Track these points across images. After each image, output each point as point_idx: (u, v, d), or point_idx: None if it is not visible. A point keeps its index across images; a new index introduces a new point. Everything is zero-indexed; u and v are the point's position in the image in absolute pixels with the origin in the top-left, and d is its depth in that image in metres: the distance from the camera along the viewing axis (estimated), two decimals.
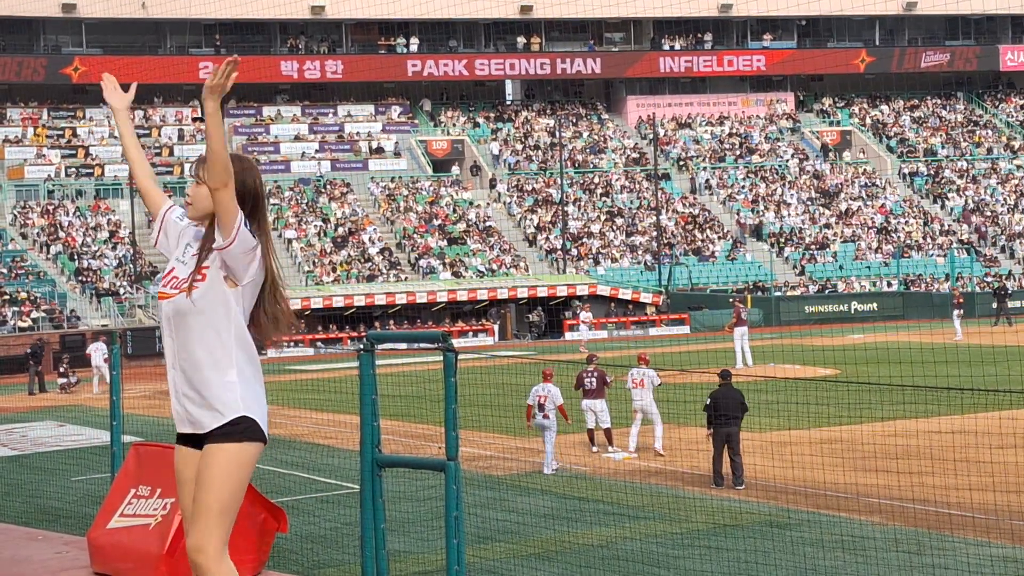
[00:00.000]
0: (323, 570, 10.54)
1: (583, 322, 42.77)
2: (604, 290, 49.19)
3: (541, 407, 16.63)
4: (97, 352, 31.18)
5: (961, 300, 40.25)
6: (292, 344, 44.20)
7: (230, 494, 4.64)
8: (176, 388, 4.74)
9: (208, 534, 4.61)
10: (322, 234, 52.89)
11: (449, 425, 7.06)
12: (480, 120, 62.90)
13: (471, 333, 45.45)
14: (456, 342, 6.72)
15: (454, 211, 55.56)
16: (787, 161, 62.82)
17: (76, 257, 48.85)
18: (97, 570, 8.15)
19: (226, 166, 4.57)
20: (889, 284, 54.38)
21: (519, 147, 61.40)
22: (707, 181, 60.56)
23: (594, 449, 18.32)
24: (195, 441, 4.76)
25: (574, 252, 53.61)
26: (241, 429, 4.66)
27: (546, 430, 16.59)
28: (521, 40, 63.18)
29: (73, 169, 54.87)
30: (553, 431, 16.54)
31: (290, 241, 52.15)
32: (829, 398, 19.05)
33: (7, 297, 44.37)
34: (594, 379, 18.12)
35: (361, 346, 7.29)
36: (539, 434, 16.95)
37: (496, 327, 46.77)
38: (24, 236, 50.42)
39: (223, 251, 4.65)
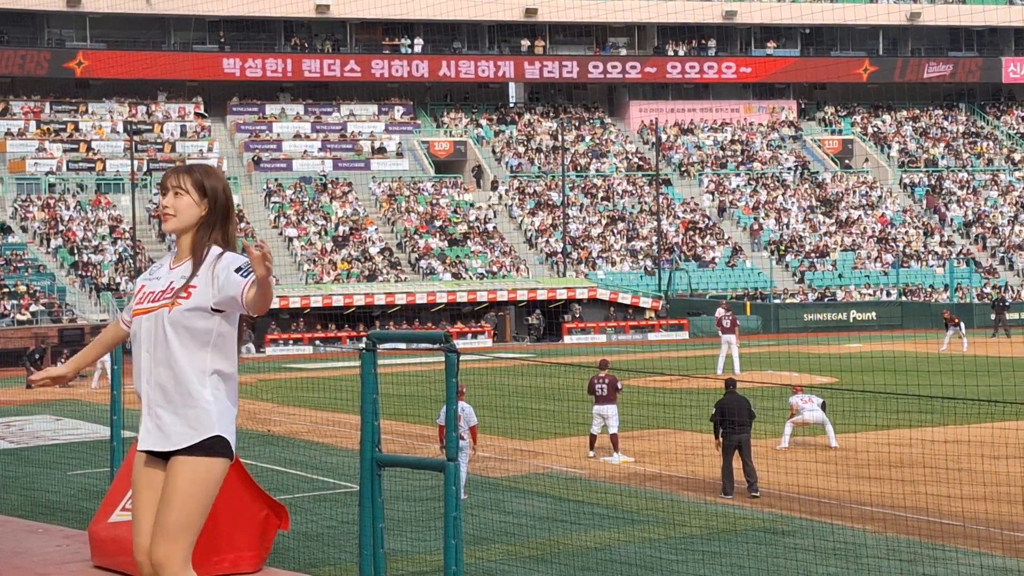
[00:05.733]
0: (321, 568, 10.58)
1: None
2: (603, 294, 49.23)
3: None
4: None
5: (956, 320, 38.11)
6: (291, 342, 44.26)
7: (196, 510, 4.63)
8: (149, 404, 4.70)
9: (172, 549, 4.61)
10: (323, 233, 52.93)
11: (450, 426, 7.10)
12: (483, 122, 62.97)
13: (469, 335, 45.45)
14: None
15: (455, 212, 55.62)
16: (788, 168, 62.90)
17: (76, 251, 48.89)
18: (98, 563, 8.18)
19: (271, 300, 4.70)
20: (888, 293, 54.46)
21: (521, 149, 61.46)
22: (709, 186, 60.66)
23: (591, 454, 18.35)
24: (158, 454, 4.73)
25: (574, 256, 53.66)
26: (211, 444, 4.65)
27: (461, 452, 14.56)
28: (525, 43, 63.26)
29: (74, 163, 54.91)
30: (467, 453, 14.61)
31: (291, 239, 52.19)
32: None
33: (6, 290, 44.39)
34: (605, 385, 18.11)
35: (363, 345, 7.32)
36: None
37: (493, 329, 46.78)
38: (24, 229, 50.45)
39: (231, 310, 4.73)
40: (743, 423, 15.43)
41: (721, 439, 15.56)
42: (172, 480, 4.63)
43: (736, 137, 64.69)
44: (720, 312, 31.95)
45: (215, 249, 4.77)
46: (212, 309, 4.69)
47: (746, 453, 15.42)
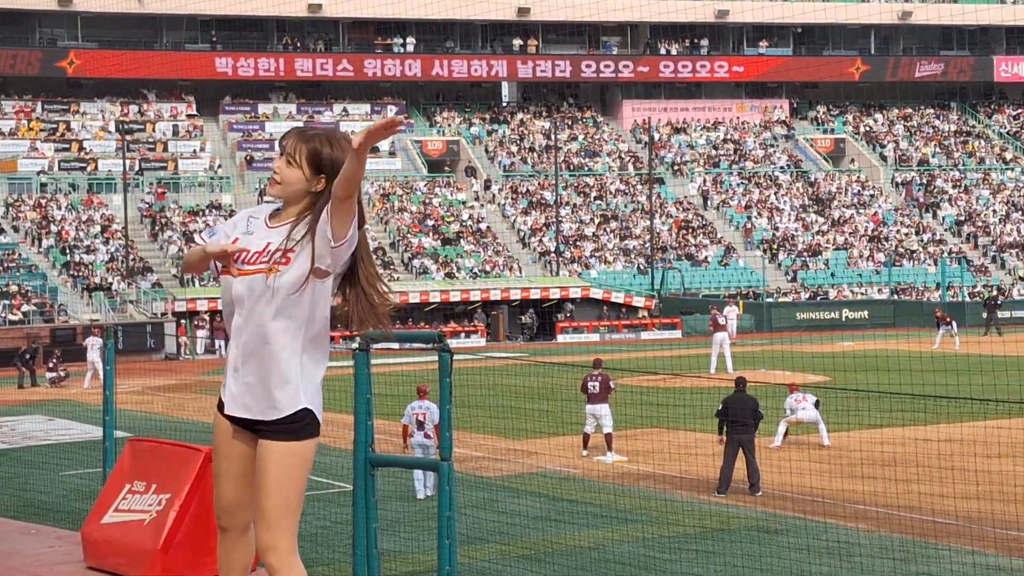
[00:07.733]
0: (314, 568, 10.55)
1: None
2: (597, 293, 49.24)
3: (421, 425, 14.87)
4: (94, 347, 30.68)
5: (948, 319, 38.20)
6: None
7: (294, 493, 4.51)
8: (236, 366, 4.52)
9: (278, 534, 4.49)
10: None
11: (444, 426, 7.08)
12: (476, 121, 62.95)
13: (462, 334, 45.43)
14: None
15: (448, 212, 55.60)
16: (781, 167, 62.95)
17: (68, 251, 48.77)
18: (91, 565, 8.16)
19: (358, 183, 4.31)
20: (880, 292, 54.54)
21: (514, 149, 61.46)
22: (701, 187, 60.69)
23: (584, 453, 18.35)
24: (242, 422, 4.56)
25: (567, 255, 53.66)
26: (300, 426, 4.53)
27: (427, 450, 14.54)
28: (518, 42, 63.25)
29: (66, 163, 54.79)
30: (434, 451, 13.89)
31: None
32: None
33: None
34: (598, 384, 18.11)
35: (356, 345, 7.31)
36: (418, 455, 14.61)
37: (486, 328, 46.75)
38: (16, 229, 50.32)
39: (334, 249, 4.38)
40: (746, 423, 15.36)
41: (724, 436, 15.52)
42: (264, 468, 4.50)
43: (728, 136, 64.73)
44: (715, 310, 32.25)
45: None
46: (312, 268, 4.38)
47: (749, 453, 15.35)
